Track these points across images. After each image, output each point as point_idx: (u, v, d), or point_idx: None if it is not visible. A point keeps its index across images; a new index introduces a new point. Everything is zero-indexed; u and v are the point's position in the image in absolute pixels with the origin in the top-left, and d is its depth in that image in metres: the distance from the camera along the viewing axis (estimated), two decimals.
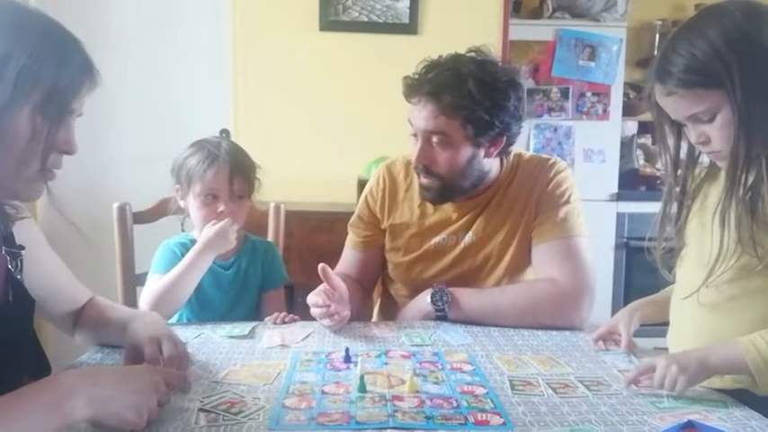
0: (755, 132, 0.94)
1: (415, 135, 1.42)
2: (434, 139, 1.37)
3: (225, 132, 2.87)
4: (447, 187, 1.43)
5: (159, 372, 0.92)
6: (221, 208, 1.39)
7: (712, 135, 0.99)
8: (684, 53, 0.96)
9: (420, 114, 1.37)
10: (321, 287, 1.29)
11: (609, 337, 1.22)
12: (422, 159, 1.40)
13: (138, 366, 0.97)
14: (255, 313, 1.48)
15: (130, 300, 1.63)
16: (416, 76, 1.38)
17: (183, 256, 1.39)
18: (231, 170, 1.39)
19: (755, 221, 0.96)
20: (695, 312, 1.07)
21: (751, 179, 0.97)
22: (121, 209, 1.64)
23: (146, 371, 0.90)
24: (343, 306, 1.29)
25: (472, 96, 1.32)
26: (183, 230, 1.54)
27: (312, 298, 1.30)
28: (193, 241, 1.44)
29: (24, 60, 0.79)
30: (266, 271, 1.51)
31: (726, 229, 0.99)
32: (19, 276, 0.98)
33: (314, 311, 1.29)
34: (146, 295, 1.36)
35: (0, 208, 0.94)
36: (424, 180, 1.43)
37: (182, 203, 1.45)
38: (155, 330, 1.06)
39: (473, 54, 1.39)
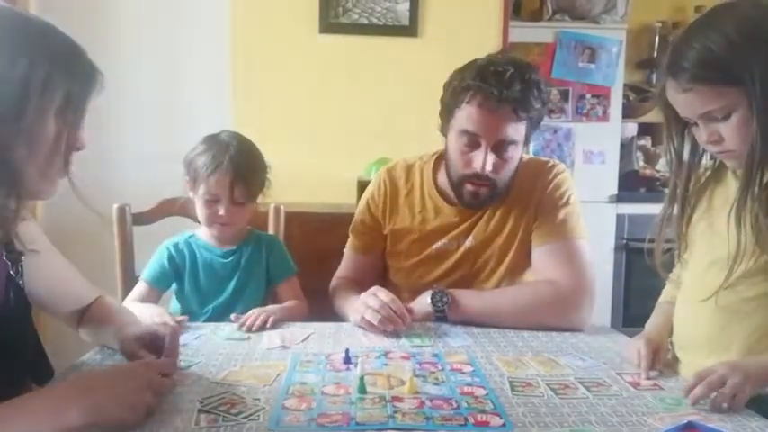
0: None
1: (472, 143, 1.37)
2: (505, 146, 1.36)
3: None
4: (497, 191, 1.43)
5: (151, 366, 0.94)
6: (221, 212, 1.42)
7: (726, 134, 0.97)
8: (699, 47, 0.94)
9: (496, 124, 1.33)
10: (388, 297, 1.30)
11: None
12: (494, 168, 1.36)
13: (130, 365, 0.99)
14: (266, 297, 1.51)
15: None
16: (485, 84, 1.31)
17: (170, 262, 1.47)
18: (233, 178, 1.40)
19: None
20: (708, 313, 1.06)
21: (766, 179, 0.95)
22: (121, 210, 1.64)
23: (138, 369, 0.92)
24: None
25: (538, 100, 1.35)
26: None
27: (380, 302, 1.29)
28: (187, 242, 1.49)
29: (47, 68, 0.85)
30: (273, 264, 1.53)
31: (742, 230, 0.97)
32: (20, 281, 0.98)
33: (374, 314, 1.27)
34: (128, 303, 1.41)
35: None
36: (481, 188, 1.40)
37: (191, 194, 1.47)
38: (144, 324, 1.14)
39: (510, 55, 1.41)
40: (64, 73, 0.87)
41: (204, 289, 1.48)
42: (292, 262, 1.57)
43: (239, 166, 1.41)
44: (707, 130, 0.99)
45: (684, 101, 0.99)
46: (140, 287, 1.48)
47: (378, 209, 1.57)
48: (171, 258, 1.48)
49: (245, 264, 1.49)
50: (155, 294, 1.48)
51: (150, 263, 1.49)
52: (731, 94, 0.93)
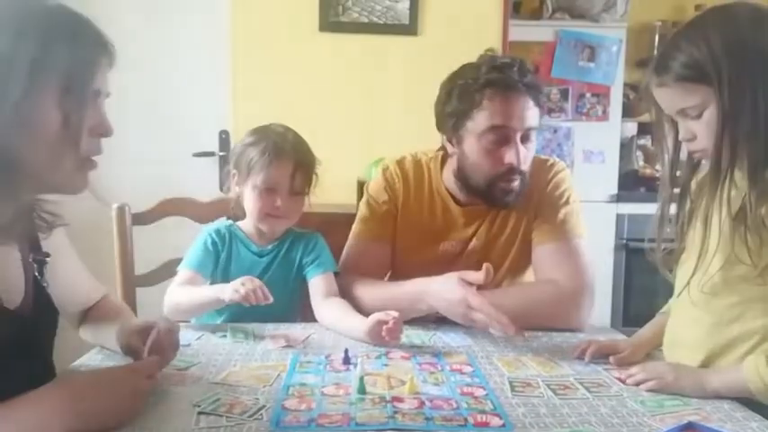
0: (740, 134, 0.94)
1: (501, 138, 1.35)
2: (530, 135, 1.37)
3: (224, 134, 2.88)
4: (525, 184, 1.42)
5: (137, 371, 0.91)
6: (278, 203, 1.35)
7: (698, 132, 0.99)
8: (684, 50, 0.96)
9: (523, 111, 1.34)
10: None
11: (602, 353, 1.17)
12: (528, 160, 1.38)
13: (119, 371, 0.95)
14: (297, 306, 1.44)
15: (130, 302, 1.63)
16: (504, 75, 1.32)
17: (212, 246, 1.39)
18: (295, 165, 1.35)
19: (747, 227, 0.95)
20: (695, 316, 1.06)
21: (736, 181, 0.96)
22: (120, 210, 1.63)
23: (124, 376, 0.89)
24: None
25: (542, 89, 1.39)
26: (227, 217, 1.50)
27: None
28: (228, 231, 1.42)
29: (34, 50, 0.78)
30: (307, 261, 1.43)
31: (707, 231, 0.99)
32: (45, 285, 0.97)
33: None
34: (167, 298, 1.33)
35: (30, 215, 0.93)
36: (513, 183, 1.39)
37: (236, 189, 1.40)
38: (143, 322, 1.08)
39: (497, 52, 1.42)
40: (59, 52, 0.80)
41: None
42: (332, 258, 1.45)
43: (301, 154, 1.36)
44: (683, 127, 1.01)
45: (661, 95, 1.02)
46: (184, 275, 1.37)
47: (395, 195, 1.52)
48: (214, 243, 1.40)
49: (276, 266, 1.42)
50: (199, 281, 1.37)
51: (192, 249, 1.40)
52: (702, 92, 0.96)
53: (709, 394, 0.97)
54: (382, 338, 1.18)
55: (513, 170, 1.37)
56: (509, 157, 1.35)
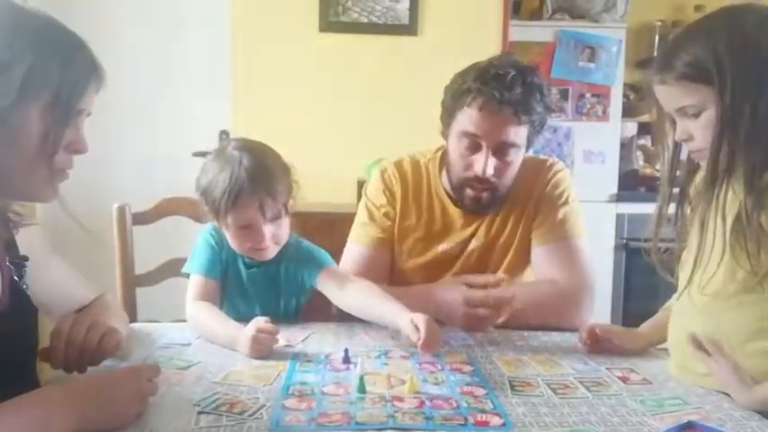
0: (738, 137, 0.93)
1: (472, 146, 1.36)
2: (506, 149, 1.35)
3: (224, 134, 2.88)
4: (498, 195, 1.41)
5: (140, 373, 0.91)
6: (259, 237, 1.26)
7: (695, 132, 0.99)
8: (689, 49, 0.96)
9: (497, 126, 1.32)
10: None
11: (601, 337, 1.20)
12: (496, 171, 1.36)
13: (119, 372, 0.95)
14: (295, 315, 1.40)
15: (130, 302, 1.63)
16: (485, 87, 1.30)
17: (216, 244, 1.33)
18: (259, 198, 1.23)
19: (745, 233, 0.94)
20: (694, 316, 1.06)
21: (733, 185, 0.96)
22: (121, 210, 1.63)
23: (127, 377, 0.89)
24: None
25: (540, 104, 1.34)
26: None
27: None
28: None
29: (30, 62, 0.81)
30: (301, 271, 1.35)
31: (704, 235, 0.99)
32: (24, 286, 0.97)
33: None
34: (189, 311, 1.28)
35: (2, 215, 0.94)
36: (482, 192, 1.39)
37: (217, 224, 1.32)
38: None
39: (512, 57, 1.38)
40: (53, 68, 0.83)
41: (229, 296, 1.36)
42: (321, 254, 1.36)
43: (262, 182, 1.23)
44: (681, 127, 1.01)
45: (662, 93, 1.02)
46: (197, 283, 1.30)
47: (394, 198, 1.51)
48: (216, 242, 1.33)
49: (264, 279, 1.36)
50: (213, 287, 1.31)
51: (196, 252, 1.33)
52: (702, 92, 0.96)
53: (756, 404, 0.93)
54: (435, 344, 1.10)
55: (480, 179, 1.37)
56: (477, 165, 1.36)
